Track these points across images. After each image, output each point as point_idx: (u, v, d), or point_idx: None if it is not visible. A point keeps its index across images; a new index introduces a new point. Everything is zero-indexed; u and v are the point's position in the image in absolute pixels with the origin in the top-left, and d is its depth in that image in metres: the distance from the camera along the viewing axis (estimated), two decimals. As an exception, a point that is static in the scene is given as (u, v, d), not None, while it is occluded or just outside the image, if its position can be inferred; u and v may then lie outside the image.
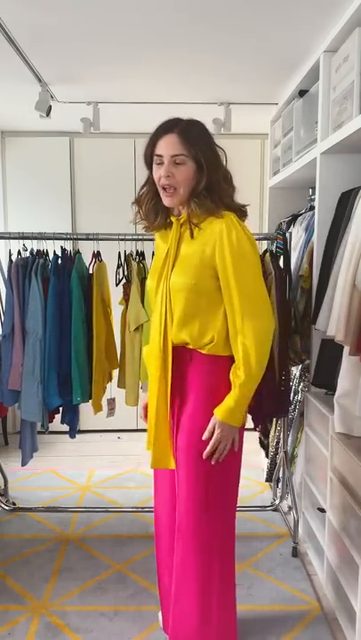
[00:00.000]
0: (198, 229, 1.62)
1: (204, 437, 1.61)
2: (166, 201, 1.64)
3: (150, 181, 1.69)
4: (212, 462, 1.62)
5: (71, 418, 2.62)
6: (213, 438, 1.60)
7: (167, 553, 1.83)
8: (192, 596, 1.70)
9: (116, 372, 2.71)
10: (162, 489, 1.84)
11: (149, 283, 1.77)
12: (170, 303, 1.64)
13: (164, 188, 1.62)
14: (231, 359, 1.63)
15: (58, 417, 2.63)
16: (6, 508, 2.93)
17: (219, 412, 1.60)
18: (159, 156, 1.60)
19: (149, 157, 1.64)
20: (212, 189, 1.60)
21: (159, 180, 1.62)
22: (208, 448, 1.61)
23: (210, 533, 1.68)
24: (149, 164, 1.66)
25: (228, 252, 1.56)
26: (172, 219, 1.70)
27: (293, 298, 2.54)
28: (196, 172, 1.60)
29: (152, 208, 1.71)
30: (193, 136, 1.59)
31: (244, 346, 1.56)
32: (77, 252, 2.56)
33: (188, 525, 1.68)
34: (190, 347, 1.65)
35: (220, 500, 1.68)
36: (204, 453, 1.61)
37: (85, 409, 2.72)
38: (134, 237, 2.58)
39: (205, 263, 1.59)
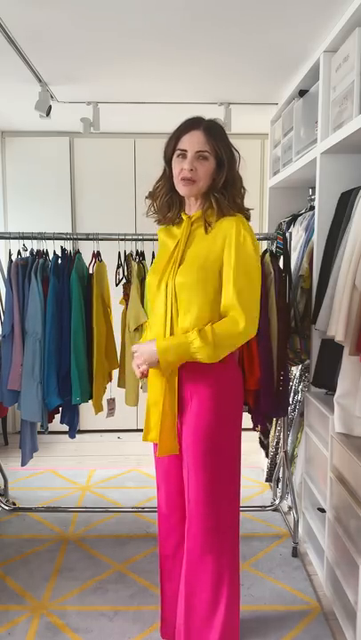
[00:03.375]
0: (210, 228, 1.69)
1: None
2: (184, 190, 1.69)
3: (166, 176, 1.74)
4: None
5: (71, 418, 2.62)
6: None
7: (175, 551, 1.84)
8: (204, 583, 1.72)
9: (115, 372, 2.71)
10: (167, 486, 1.84)
11: (150, 278, 1.78)
12: (175, 300, 1.67)
13: (183, 180, 1.67)
14: (233, 356, 1.68)
15: (58, 417, 2.62)
16: (6, 507, 2.93)
17: (160, 339, 1.66)
18: (183, 150, 1.66)
19: (171, 152, 1.70)
20: (228, 188, 1.68)
21: (180, 173, 1.67)
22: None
23: (220, 523, 1.70)
24: (169, 159, 1.71)
25: (235, 248, 1.61)
26: (183, 215, 1.75)
27: (293, 298, 2.54)
28: (215, 169, 1.67)
29: (166, 202, 1.77)
30: (217, 134, 1.66)
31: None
32: (77, 252, 2.56)
33: (200, 518, 1.69)
34: None
35: (228, 491, 1.71)
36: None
37: (85, 409, 2.72)
38: (134, 237, 2.58)
39: (213, 258, 1.64)
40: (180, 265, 1.68)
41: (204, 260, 1.65)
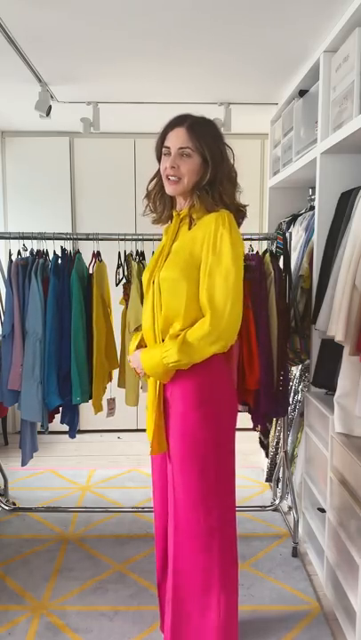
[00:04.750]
0: (193, 224, 1.67)
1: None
2: (169, 189, 1.69)
3: (159, 174, 1.74)
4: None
5: (71, 418, 2.62)
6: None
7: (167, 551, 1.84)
8: (192, 589, 1.70)
9: (116, 372, 2.72)
10: (160, 485, 1.84)
11: (144, 275, 1.80)
12: (159, 295, 1.66)
13: (168, 178, 1.67)
14: (222, 357, 1.67)
15: (58, 417, 2.63)
16: (6, 507, 2.93)
17: (144, 351, 1.70)
18: (167, 147, 1.66)
19: (159, 149, 1.70)
20: (215, 186, 1.64)
21: (165, 171, 1.67)
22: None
23: (207, 526, 1.68)
24: (159, 157, 1.72)
25: (211, 246, 1.58)
26: (174, 213, 1.76)
27: (293, 298, 2.54)
28: (200, 166, 1.65)
29: (159, 200, 1.78)
30: (201, 131, 1.64)
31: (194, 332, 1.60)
32: (77, 252, 2.56)
33: (185, 519, 1.68)
34: None
35: (215, 496, 1.68)
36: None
37: (85, 409, 2.72)
38: (134, 237, 2.58)
39: (194, 257, 1.62)
40: (164, 262, 1.68)
41: (186, 255, 1.63)
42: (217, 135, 1.68)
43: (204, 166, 1.64)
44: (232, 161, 1.70)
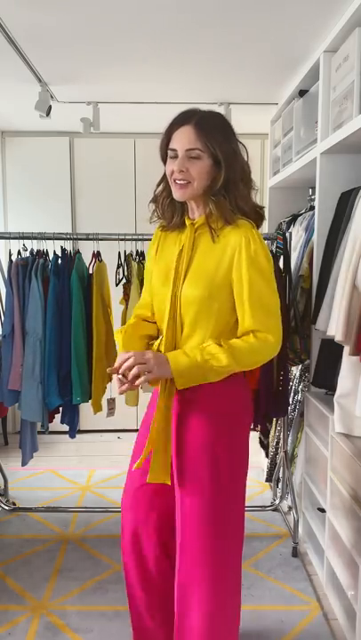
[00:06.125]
0: (217, 237, 1.52)
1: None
2: (177, 194, 1.52)
3: (166, 178, 1.58)
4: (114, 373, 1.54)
5: (71, 418, 2.62)
6: (139, 354, 1.48)
7: (154, 574, 1.70)
8: (201, 613, 1.59)
9: (116, 372, 2.71)
10: (138, 505, 1.68)
11: (156, 286, 1.62)
12: (180, 315, 1.53)
13: (175, 182, 1.51)
14: (244, 378, 1.61)
15: (58, 417, 2.63)
16: (6, 507, 2.93)
17: (172, 353, 1.48)
18: (173, 149, 1.49)
19: (164, 151, 1.54)
20: (229, 189, 1.50)
21: (172, 175, 1.51)
22: (127, 362, 1.51)
23: (221, 551, 1.60)
24: (164, 159, 1.55)
25: (245, 265, 1.47)
26: (187, 222, 1.59)
27: (293, 298, 2.54)
28: (212, 169, 1.49)
29: (168, 206, 1.61)
30: (210, 129, 1.48)
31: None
32: (77, 252, 2.56)
33: (197, 543, 1.57)
34: None
35: (230, 516, 1.63)
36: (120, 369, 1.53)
37: (85, 409, 2.72)
38: (134, 237, 2.59)
39: (222, 274, 1.50)
40: (185, 276, 1.52)
41: (212, 273, 1.50)
42: (228, 131, 1.53)
43: (215, 168, 1.49)
44: (246, 157, 1.56)
